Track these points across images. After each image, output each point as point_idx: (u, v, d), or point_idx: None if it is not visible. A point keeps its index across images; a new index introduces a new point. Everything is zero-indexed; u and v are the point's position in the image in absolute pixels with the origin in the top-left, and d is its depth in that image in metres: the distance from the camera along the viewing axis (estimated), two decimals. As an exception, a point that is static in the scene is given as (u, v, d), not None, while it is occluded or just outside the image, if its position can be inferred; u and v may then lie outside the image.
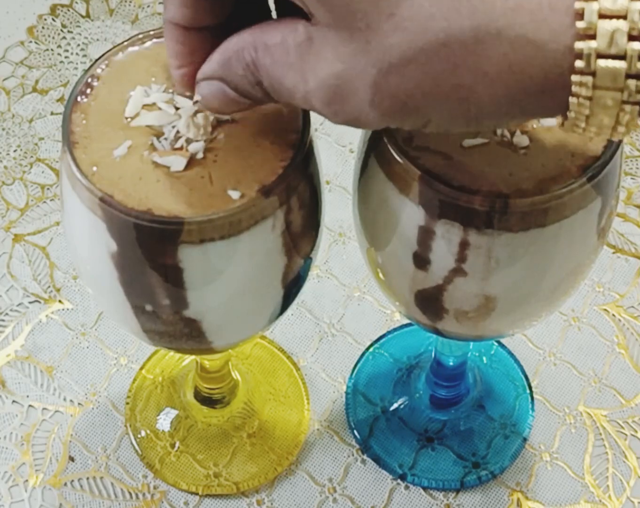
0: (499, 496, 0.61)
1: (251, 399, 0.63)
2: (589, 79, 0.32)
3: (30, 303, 0.67)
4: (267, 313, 0.47)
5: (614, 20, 0.31)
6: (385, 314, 0.67)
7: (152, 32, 0.46)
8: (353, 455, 0.62)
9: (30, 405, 0.63)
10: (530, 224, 0.42)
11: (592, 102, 0.33)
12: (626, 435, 0.63)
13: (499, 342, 0.66)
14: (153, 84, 0.44)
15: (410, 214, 0.43)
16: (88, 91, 0.44)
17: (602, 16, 0.31)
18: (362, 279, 0.68)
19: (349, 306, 0.68)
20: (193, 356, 0.62)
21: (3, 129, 0.75)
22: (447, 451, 0.62)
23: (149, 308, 0.45)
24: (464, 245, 0.43)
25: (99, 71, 0.45)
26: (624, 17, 0.31)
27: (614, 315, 0.67)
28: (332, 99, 0.35)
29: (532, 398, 0.64)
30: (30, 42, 0.80)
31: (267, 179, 0.42)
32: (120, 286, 0.44)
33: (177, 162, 0.42)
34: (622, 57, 0.32)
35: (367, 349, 0.66)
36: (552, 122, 0.43)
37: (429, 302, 0.47)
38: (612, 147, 0.42)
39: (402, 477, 0.61)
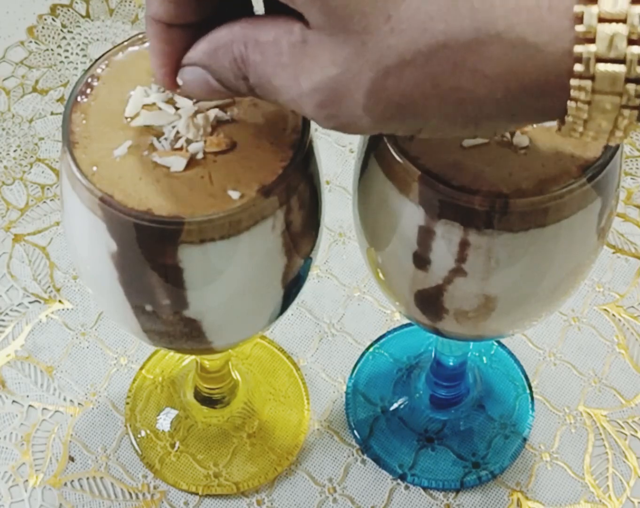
0: (499, 496, 0.61)
1: (251, 399, 0.63)
2: (587, 83, 0.32)
3: (30, 303, 0.67)
4: (267, 313, 0.47)
5: (614, 24, 0.31)
6: (385, 314, 0.67)
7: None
8: (353, 455, 0.62)
9: (30, 405, 0.63)
10: (530, 224, 0.42)
11: (591, 106, 0.32)
12: (626, 435, 0.63)
13: (499, 342, 0.66)
14: (153, 84, 0.44)
15: (410, 214, 0.43)
16: (88, 91, 0.44)
17: (601, 20, 0.31)
18: (362, 279, 0.68)
19: (349, 306, 0.68)
20: (193, 356, 0.62)
21: (3, 129, 0.75)
22: (447, 451, 0.62)
23: (149, 308, 0.45)
24: (464, 245, 0.43)
25: (99, 70, 0.45)
26: (624, 21, 0.31)
27: (614, 315, 0.67)
28: (325, 103, 0.35)
29: (532, 398, 0.64)
30: (30, 42, 0.80)
31: (267, 179, 0.42)
32: (120, 286, 0.44)
33: (177, 163, 0.42)
34: (621, 61, 0.31)
35: (367, 349, 0.66)
36: (552, 122, 0.43)
37: (429, 302, 0.47)
38: (612, 148, 0.42)
39: (402, 477, 0.61)
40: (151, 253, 0.42)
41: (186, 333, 0.46)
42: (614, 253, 0.70)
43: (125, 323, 0.47)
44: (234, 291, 0.44)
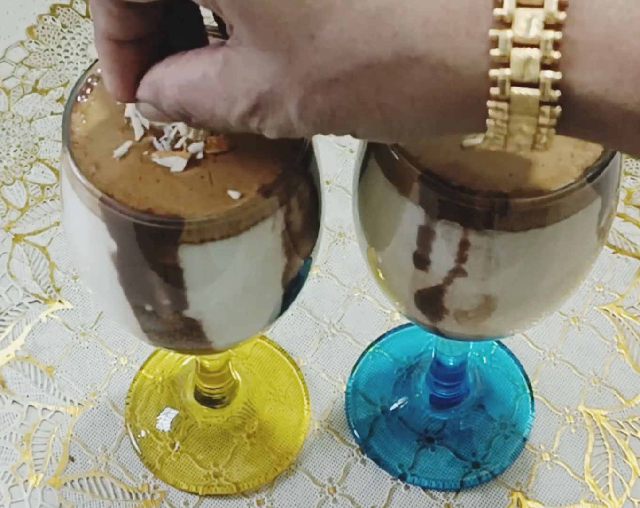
0: (499, 496, 0.61)
1: (251, 399, 0.63)
2: (504, 105, 0.33)
3: (30, 303, 0.67)
4: (267, 313, 0.47)
5: (527, 49, 0.32)
6: (385, 314, 0.67)
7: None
8: (353, 455, 0.62)
9: (30, 405, 0.63)
10: (530, 224, 0.42)
11: (509, 126, 0.33)
12: (626, 435, 0.63)
13: (499, 342, 0.66)
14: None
15: (410, 214, 0.43)
16: (88, 91, 0.44)
17: (515, 44, 0.32)
18: (362, 279, 0.68)
19: (349, 306, 0.68)
20: (193, 356, 0.62)
21: (3, 129, 0.75)
22: (447, 451, 0.62)
23: (149, 308, 0.45)
24: (463, 245, 0.43)
25: (99, 70, 0.45)
26: (537, 46, 0.32)
27: (614, 315, 0.67)
28: (265, 116, 0.36)
29: (532, 398, 0.64)
30: (30, 42, 0.80)
31: (267, 179, 0.42)
32: (120, 286, 0.44)
33: (177, 163, 0.42)
34: (535, 85, 0.32)
35: (367, 349, 0.66)
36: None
37: (429, 302, 0.47)
38: (612, 148, 0.42)
39: (402, 477, 0.61)
40: (151, 253, 0.42)
41: (186, 333, 0.46)
42: (614, 253, 0.70)
43: (125, 323, 0.47)
44: (234, 291, 0.44)
